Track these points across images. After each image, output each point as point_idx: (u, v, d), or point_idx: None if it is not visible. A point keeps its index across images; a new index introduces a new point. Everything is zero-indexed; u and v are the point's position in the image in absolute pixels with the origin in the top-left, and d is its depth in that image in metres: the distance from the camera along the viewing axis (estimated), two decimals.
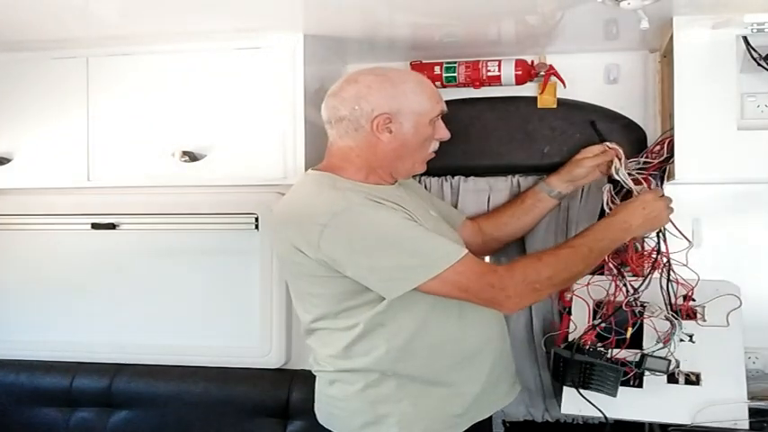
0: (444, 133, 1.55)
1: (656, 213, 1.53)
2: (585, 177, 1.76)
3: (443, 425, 1.48)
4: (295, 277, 1.53)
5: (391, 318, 1.43)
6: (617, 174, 1.67)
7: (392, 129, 1.47)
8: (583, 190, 1.84)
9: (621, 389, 1.56)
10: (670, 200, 1.58)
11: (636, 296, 1.60)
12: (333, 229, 1.36)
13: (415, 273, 1.36)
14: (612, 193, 1.68)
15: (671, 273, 1.61)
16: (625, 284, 1.61)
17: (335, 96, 1.50)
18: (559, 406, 1.67)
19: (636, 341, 1.61)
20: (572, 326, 1.67)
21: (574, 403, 1.63)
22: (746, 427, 1.53)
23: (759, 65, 1.55)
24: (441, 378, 1.48)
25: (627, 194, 1.66)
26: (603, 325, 1.61)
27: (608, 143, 1.74)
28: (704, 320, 1.64)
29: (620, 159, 1.69)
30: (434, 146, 1.56)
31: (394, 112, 1.47)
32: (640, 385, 1.60)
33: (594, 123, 1.82)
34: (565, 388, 1.64)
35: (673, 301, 1.60)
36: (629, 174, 1.67)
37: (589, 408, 1.60)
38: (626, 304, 1.59)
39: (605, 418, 1.59)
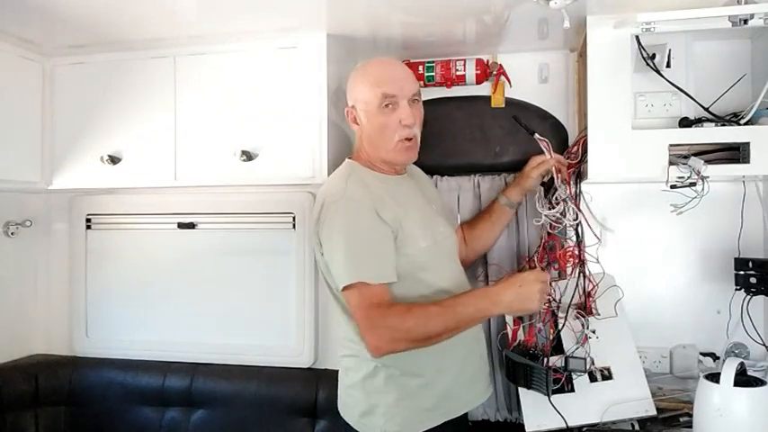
0: (403, 116, 1.53)
1: (528, 295, 1.43)
2: (535, 187, 1.79)
3: (417, 418, 1.52)
4: (318, 253, 1.57)
5: None
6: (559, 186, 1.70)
7: (356, 119, 1.59)
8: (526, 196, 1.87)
9: (558, 396, 1.58)
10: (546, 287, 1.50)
11: (557, 298, 1.65)
12: (325, 212, 1.48)
13: (342, 274, 1.44)
14: (541, 194, 1.75)
15: (586, 269, 1.67)
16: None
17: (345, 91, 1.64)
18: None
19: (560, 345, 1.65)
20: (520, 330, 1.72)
21: (535, 408, 1.64)
22: (654, 412, 1.57)
23: (647, 64, 1.55)
24: (414, 369, 1.52)
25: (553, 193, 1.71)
26: (541, 327, 1.65)
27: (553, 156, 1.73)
28: (599, 314, 1.68)
29: (559, 171, 1.69)
30: (402, 132, 1.54)
31: (352, 102, 1.59)
32: (572, 390, 1.62)
33: (517, 117, 1.80)
34: (521, 392, 1.67)
35: (580, 299, 1.65)
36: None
37: (545, 415, 1.60)
38: (548, 305, 1.63)
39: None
